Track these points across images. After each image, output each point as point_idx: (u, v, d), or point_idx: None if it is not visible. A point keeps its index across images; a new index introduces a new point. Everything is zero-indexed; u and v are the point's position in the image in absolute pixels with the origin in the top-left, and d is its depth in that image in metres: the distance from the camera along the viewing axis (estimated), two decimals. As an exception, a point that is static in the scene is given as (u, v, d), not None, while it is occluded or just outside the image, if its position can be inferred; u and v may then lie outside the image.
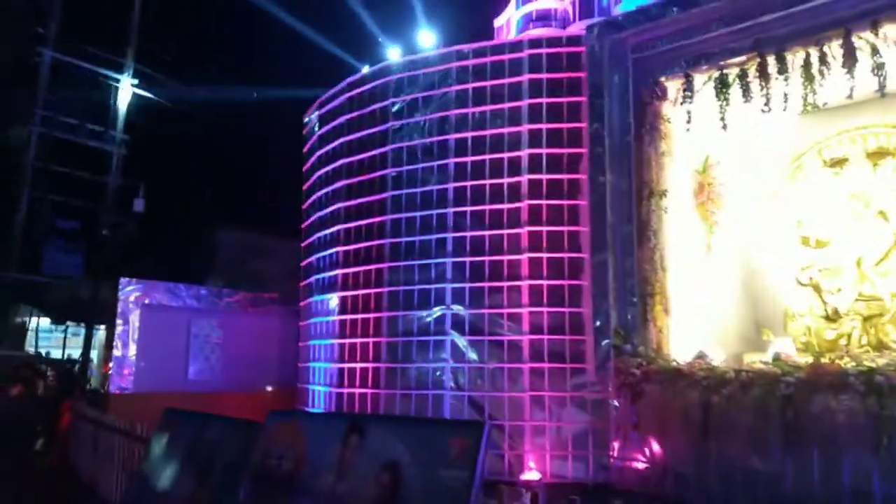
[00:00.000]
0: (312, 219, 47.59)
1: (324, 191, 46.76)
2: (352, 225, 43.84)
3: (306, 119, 51.17)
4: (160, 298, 41.72)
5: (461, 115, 41.44)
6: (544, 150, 39.40)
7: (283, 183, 53.46)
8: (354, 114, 45.59)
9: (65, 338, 56.76)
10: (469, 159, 40.81)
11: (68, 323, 56.36)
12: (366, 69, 46.62)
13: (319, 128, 48.71)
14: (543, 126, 39.28)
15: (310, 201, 48.49)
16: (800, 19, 31.28)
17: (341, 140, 46.09)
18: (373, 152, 44.87)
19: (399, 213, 41.87)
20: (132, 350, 37.72)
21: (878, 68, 29.68)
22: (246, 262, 59.46)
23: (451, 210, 41.29)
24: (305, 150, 50.88)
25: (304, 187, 50.25)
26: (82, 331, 54.33)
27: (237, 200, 63.54)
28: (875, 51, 29.76)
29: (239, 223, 60.89)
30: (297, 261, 47.31)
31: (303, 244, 48.54)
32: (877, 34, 29.59)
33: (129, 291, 40.50)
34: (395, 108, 43.53)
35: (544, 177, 40.02)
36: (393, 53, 47.13)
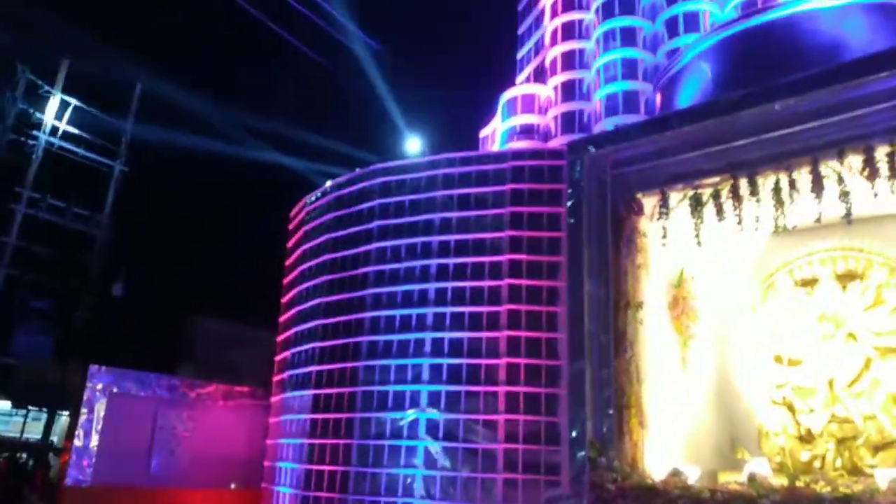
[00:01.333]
0: (291, 313, 47.48)
1: (305, 285, 46.98)
2: (330, 321, 43.81)
3: (293, 214, 52.07)
4: (129, 387, 40.69)
5: (446, 218, 42.50)
6: (525, 257, 40.25)
7: (264, 275, 53.61)
8: (341, 212, 46.54)
9: (24, 423, 54.67)
10: (451, 261, 41.55)
11: (30, 407, 54.45)
12: (356, 170, 48.11)
13: (306, 223, 49.54)
14: (525, 233, 40.28)
15: (290, 295, 48.55)
16: (770, 146, 33.02)
17: (326, 237, 46.80)
18: (357, 250, 45.56)
19: (379, 310, 42.04)
20: (94, 440, 36.39)
21: (844, 195, 31.32)
22: (222, 352, 58.57)
23: (431, 310, 41.60)
24: (290, 244, 51.45)
25: (286, 281, 50.45)
26: (44, 416, 52.48)
27: (218, 290, 63.40)
28: (841, 179, 31.43)
29: (219, 312, 60.45)
30: (272, 354, 46.78)
31: (279, 338, 48.15)
32: (842, 163, 31.42)
33: (98, 379, 39.52)
34: (382, 208, 44.65)
35: (524, 282, 40.74)
36: (382, 157, 49.01)
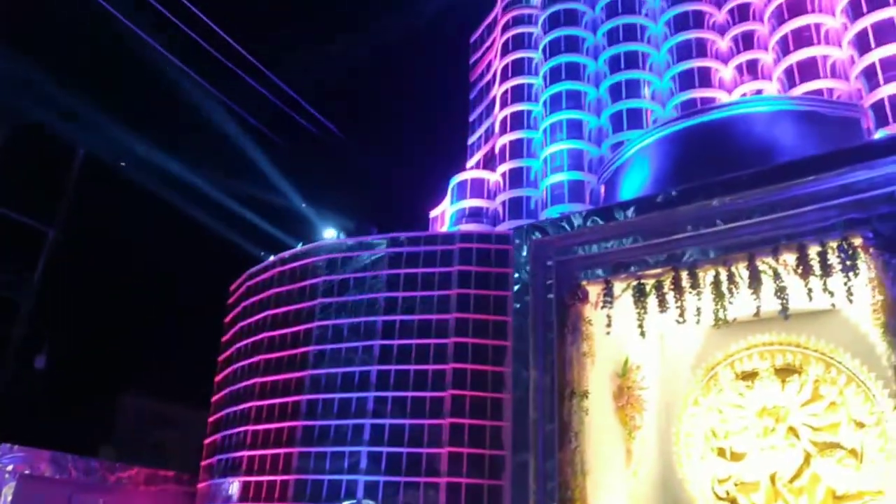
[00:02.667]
0: (224, 392, 45.34)
1: (240, 363, 45.14)
2: (265, 402, 41.94)
3: (233, 288, 50.59)
4: (43, 469, 37.51)
5: (391, 298, 41.91)
6: (471, 340, 39.77)
7: (198, 352, 51.36)
8: (283, 288, 45.45)
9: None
10: (396, 342, 40.72)
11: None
12: (300, 246, 47.41)
13: (245, 298, 48.11)
14: (471, 316, 39.94)
15: (224, 373, 46.49)
16: (709, 240, 33.82)
17: (266, 313, 45.45)
18: (297, 328, 44.27)
19: (317, 393, 40.49)
20: (-4, 531, 33.22)
21: (780, 291, 32.16)
22: (148, 432, 55.22)
23: (372, 394, 40.27)
24: (227, 319, 49.72)
25: (221, 358, 48.45)
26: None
27: (148, 366, 60.40)
28: (777, 275, 32.34)
29: (147, 390, 57.32)
30: (202, 436, 44.23)
31: (210, 419, 45.77)
32: (777, 260, 32.39)
33: (9, 459, 36.42)
34: (326, 286, 43.81)
35: (470, 367, 40.09)
36: (328, 233, 48.37)
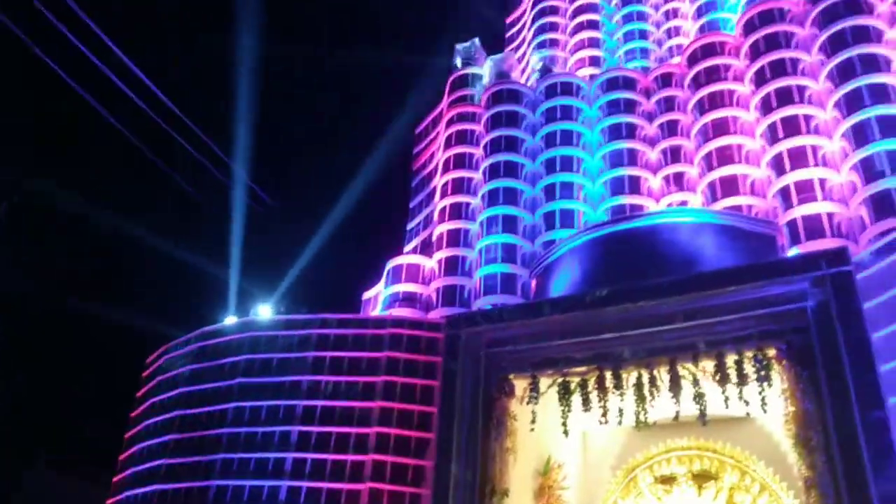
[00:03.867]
0: (128, 472, 42.43)
1: (148, 443, 42.47)
2: (169, 486, 39.27)
3: (150, 360, 48.28)
4: None
5: (315, 382, 40.67)
6: (393, 431, 38.70)
7: (106, 429, 48.22)
8: (203, 364, 43.57)
9: None
10: (315, 429, 39.21)
11: None
12: (224, 320, 45.96)
13: (161, 373, 45.87)
14: (396, 405, 39.04)
15: (129, 452, 43.64)
16: (633, 342, 34.65)
17: (181, 390, 43.28)
18: (213, 407, 42.17)
19: (227, 479, 38.28)
20: None
21: (699, 397, 33.00)
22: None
23: (285, 483, 38.31)
24: (139, 394, 47.18)
25: (127, 436, 45.62)
26: None
27: (51, 440, 56.18)
28: (696, 381, 33.23)
29: (50, 465, 53.05)
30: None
31: (109, 502, 42.54)
32: (697, 366, 33.36)
33: None
34: (247, 365, 42.24)
35: (390, 459, 38.76)
36: (256, 309, 47.14)
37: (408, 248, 58.30)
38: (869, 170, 38.20)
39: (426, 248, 54.98)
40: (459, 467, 35.38)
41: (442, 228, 52.61)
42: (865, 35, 42.24)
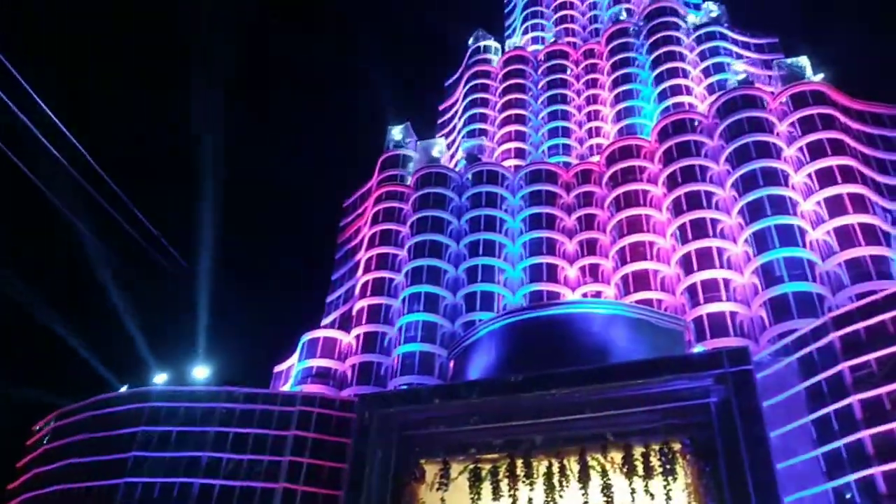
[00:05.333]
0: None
1: (24, 521, 38.81)
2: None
3: (38, 426, 44.73)
4: None
5: (215, 459, 38.51)
6: (296, 515, 36.90)
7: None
8: (96, 434, 40.69)
9: None
10: (211, 510, 36.86)
11: None
12: (123, 388, 43.36)
13: (49, 441, 42.50)
14: (300, 488, 37.35)
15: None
16: (546, 429, 34.79)
17: (70, 460, 40.12)
18: (103, 482, 39.12)
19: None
20: None
21: (607, 488, 33.13)
22: None
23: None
24: (20, 463, 43.40)
25: (10, 505, 41.53)
26: None
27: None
28: (604, 472, 33.41)
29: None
30: None
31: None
32: (605, 457, 33.62)
33: None
34: (143, 438, 39.67)
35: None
36: (158, 378, 44.70)
37: (326, 321, 57.34)
38: (769, 274, 41.08)
39: (345, 323, 54.19)
40: (364, 555, 33.86)
41: (363, 303, 52.20)
42: (767, 150, 46.27)
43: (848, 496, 28.31)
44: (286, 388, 50.51)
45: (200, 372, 45.57)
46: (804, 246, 41.31)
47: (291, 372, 52.26)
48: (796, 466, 29.81)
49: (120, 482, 37.33)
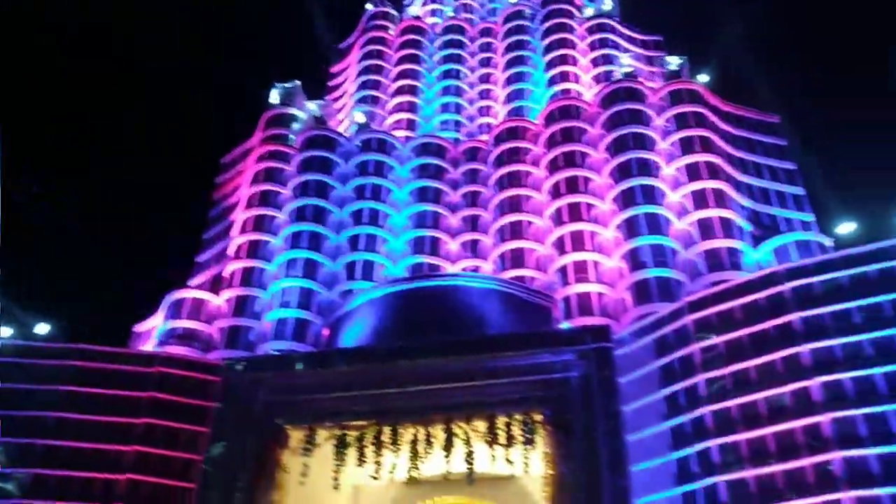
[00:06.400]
0: None
1: None
2: None
3: None
4: None
5: (62, 419, 35.82)
6: (151, 479, 34.96)
7: None
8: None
9: None
10: (57, 473, 34.22)
11: None
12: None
13: None
14: (155, 451, 35.43)
15: None
16: (413, 398, 34.98)
17: None
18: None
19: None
20: None
21: (469, 455, 33.91)
22: None
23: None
24: None
25: None
26: None
27: None
28: (468, 440, 34.23)
29: None
30: None
31: None
32: (469, 425, 34.42)
33: None
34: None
35: (142, 509, 34.76)
36: (2, 331, 40.81)
37: (195, 281, 54.22)
38: (635, 259, 43.49)
39: (216, 285, 51.68)
40: (221, 521, 32.85)
41: (237, 265, 50.10)
42: (643, 142, 48.76)
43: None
44: (147, 348, 47.78)
45: (42, 329, 41.96)
46: (668, 234, 43.95)
47: (154, 332, 49.44)
48: (645, 439, 31.86)
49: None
